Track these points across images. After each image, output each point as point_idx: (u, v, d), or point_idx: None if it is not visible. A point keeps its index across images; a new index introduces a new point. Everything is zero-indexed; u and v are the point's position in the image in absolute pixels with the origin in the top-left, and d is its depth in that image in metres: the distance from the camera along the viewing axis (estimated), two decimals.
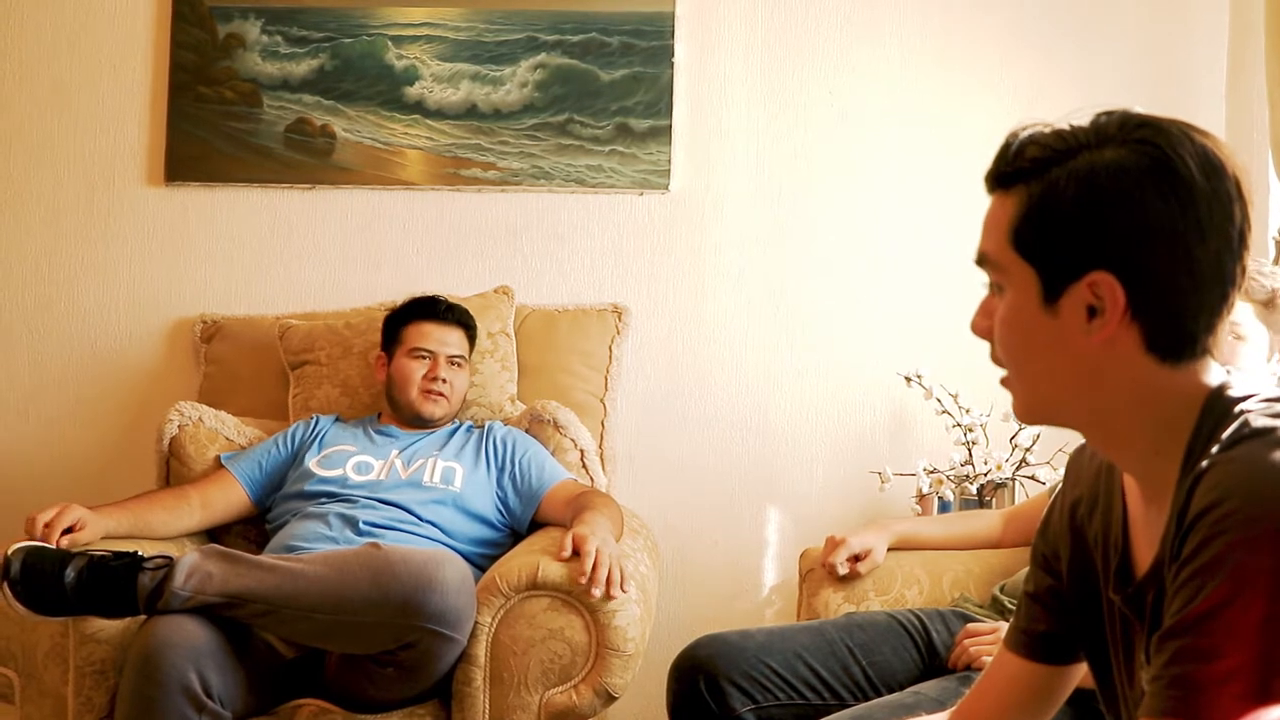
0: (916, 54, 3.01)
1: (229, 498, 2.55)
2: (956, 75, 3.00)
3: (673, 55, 3.01)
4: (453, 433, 2.65)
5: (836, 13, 3.02)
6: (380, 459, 2.56)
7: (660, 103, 3.01)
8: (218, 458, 2.63)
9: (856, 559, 2.30)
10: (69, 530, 2.20)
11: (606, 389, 2.81)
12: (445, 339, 2.65)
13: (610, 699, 2.13)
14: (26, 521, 2.21)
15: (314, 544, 2.34)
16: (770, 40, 3.03)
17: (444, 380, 2.61)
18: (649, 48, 3.01)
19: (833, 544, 2.32)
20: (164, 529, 2.42)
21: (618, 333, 2.83)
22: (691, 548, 2.98)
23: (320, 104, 3.06)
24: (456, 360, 2.65)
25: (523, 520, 2.53)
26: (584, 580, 2.09)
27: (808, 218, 3.02)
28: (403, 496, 2.47)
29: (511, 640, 2.11)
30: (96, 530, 2.25)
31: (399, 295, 2.83)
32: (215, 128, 3.06)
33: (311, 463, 2.56)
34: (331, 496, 2.48)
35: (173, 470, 2.66)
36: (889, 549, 2.34)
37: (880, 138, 3.01)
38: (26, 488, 2.94)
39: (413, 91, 3.05)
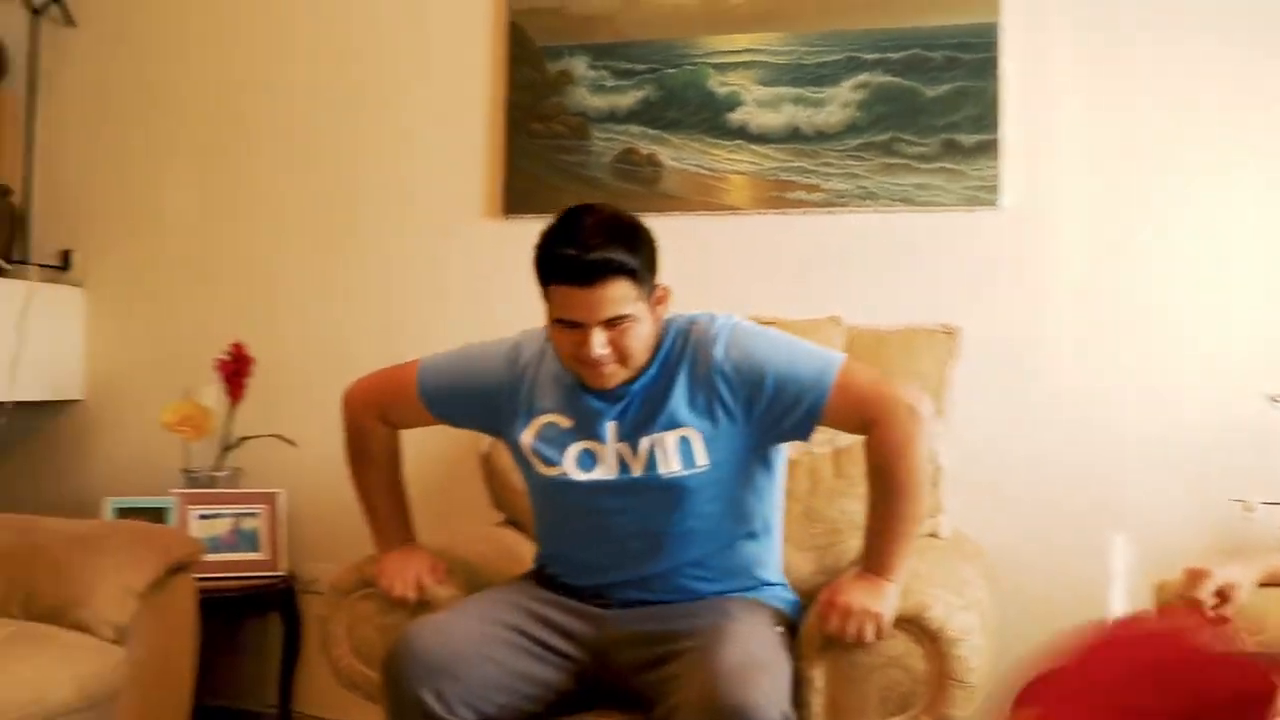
0: (1266, 41, 2.80)
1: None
2: None
3: (997, 67, 2.92)
4: (661, 368, 2.14)
5: (1169, 7, 2.85)
6: (600, 441, 2.15)
7: (987, 116, 2.92)
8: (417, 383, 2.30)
9: (1220, 595, 2.12)
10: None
11: (940, 411, 2.74)
12: (595, 304, 2.03)
13: None
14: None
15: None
16: (1101, 42, 2.89)
17: (601, 354, 2.05)
18: (973, 61, 2.93)
19: (1194, 576, 2.15)
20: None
21: (950, 354, 2.75)
22: (1031, 576, 2.84)
23: (646, 134, 3.13)
24: (619, 320, 2.05)
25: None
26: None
27: (1154, 227, 2.85)
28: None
29: (850, 665, 2.07)
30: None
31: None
32: (548, 161, 3.18)
33: (525, 441, 2.20)
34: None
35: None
36: (1259, 585, 2.15)
37: (1237, 134, 2.81)
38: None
39: (735, 117, 3.08)
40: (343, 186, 3.37)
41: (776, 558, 2.31)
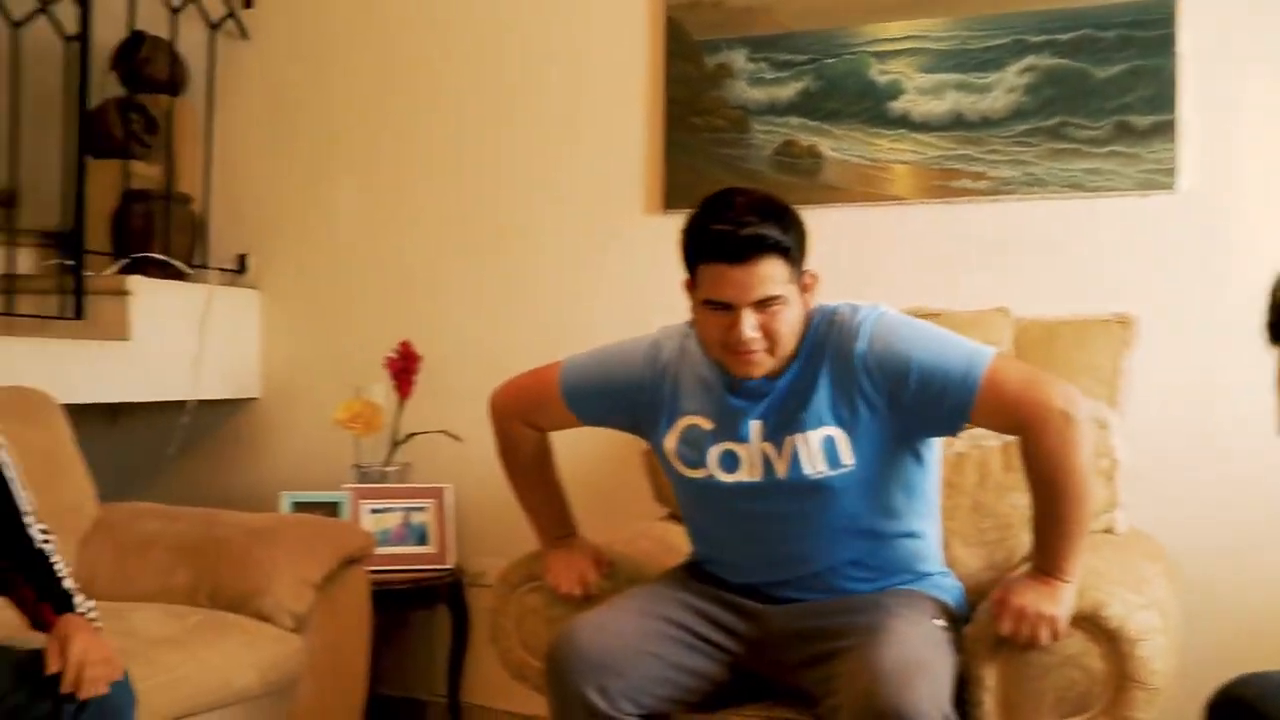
0: None
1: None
2: None
3: (1174, 43, 2.80)
4: (804, 364, 2.07)
5: None
6: (743, 441, 2.09)
7: (1163, 96, 2.80)
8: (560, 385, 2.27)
9: None
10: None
11: (1115, 403, 2.64)
12: (746, 283, 1.96)
13: None
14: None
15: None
16: None
17: (751, 338, 1.99)
18: (1148, 38, 2.82)
19: None
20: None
21: (1125, 344, 2.65)
22: (1217, 574, 2.72)
23: (806, 125, 3.10)
24: (770, 301, 1.99)
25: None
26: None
27: None
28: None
29: (1024, 664, 2.01)
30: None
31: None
32: (707, 155, 3.18)
33: (668, 445, 2.17)
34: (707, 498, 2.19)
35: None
36: None
37: None
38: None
39: (897, 106, 3.03)
40: (504, 185, 3.43)
41: (935, 548, 2.25)
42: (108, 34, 3.48)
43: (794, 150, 3.11)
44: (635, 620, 2.11)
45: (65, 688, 1.91)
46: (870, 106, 3.05)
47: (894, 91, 3.03)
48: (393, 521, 3.25)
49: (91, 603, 2.07)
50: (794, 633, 2.12)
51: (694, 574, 2.27)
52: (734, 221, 1.97)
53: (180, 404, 3.47)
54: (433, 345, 3.36)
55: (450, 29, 3.49)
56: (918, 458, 2.14)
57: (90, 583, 2.74)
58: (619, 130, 3.29)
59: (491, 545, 3.29)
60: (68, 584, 2.05)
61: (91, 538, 2.83)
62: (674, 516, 2.83)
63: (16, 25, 3.18)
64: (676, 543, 2.63)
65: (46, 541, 2.07)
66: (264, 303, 3.68)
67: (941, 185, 2.99)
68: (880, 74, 3.04)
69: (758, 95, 3.15)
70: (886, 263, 3.01)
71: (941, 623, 2.08)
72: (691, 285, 2.08)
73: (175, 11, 3.53)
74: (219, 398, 3.58)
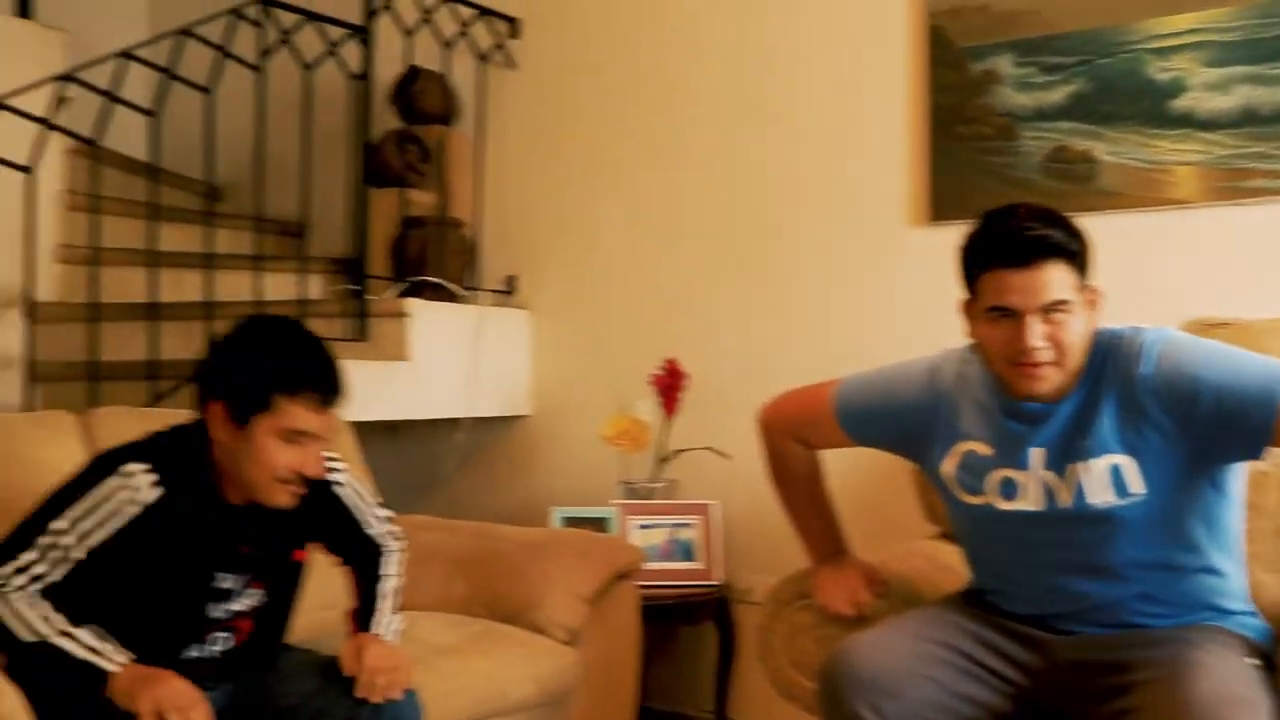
0: None
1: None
2: None
3: None
4: (1088, 389, 1.98)
5: None
6: (1023, 468, 2.02)
7: None
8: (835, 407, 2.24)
9: None
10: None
11: None
12: (1031, 287, 1.90)
13: None
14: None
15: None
16: None
17: (1037, 347, 1.91)
18: None
19: None
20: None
21: None
22: None
23: (1078, 129, 2.98)
24: (1057, 308, 1.92)
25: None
26: None
27: None
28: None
29: None
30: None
31: (1172, 322, 2.64)
32: (974, 164, 3.09)
33: (945, 470, 2.12)
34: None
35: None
36: None
37: None
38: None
39: (1179, 104, 2.87)
40: (767, 200, 3.43)
41: (1240, 584, 2.10)
42: (386, 71, 3.66)
43: (1066, 156, 2.99)
44: (913, 643, 2.06)
45: (359, 691, 2.02)
46: (1149, 106, 2.91)
47: (1175, 89, 2.87)
48: (660, 537, 3.29)
49: (397, 623, 2.20)
50: (1084, 663, 2.02)
51: (973, 601, 2.20)
52: (1018, 226, 1.93)
53: (454, 421, 3.60)
54: (699, 362, 3.39)
55: (711, 47, 3.52)
56: (1217, 487, 2.00)
57: None
58: (882, 142, 3.24)
59: (758, 562, 3.28)
60: (382, 607, 2.20)
61: None
62: (946, 535, 2.76)
63: (307, 68, 3.39)
64: (950, 561, 2.56)
65: (389, 571, 2.25)
66: (533, 322, 3.79)
67: (1231, 186, 2.82)
68: (1160, 71, 2.89)
69: (1025, 100, 3.04)
70: (1169, 271, 2.86)
71: (1255, 661, 1.94)
72: (969, 304, 2.03)
73: (447, 46, 3.69)
74: (492, 415, 3.71)
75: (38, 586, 1.91)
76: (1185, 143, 2.86)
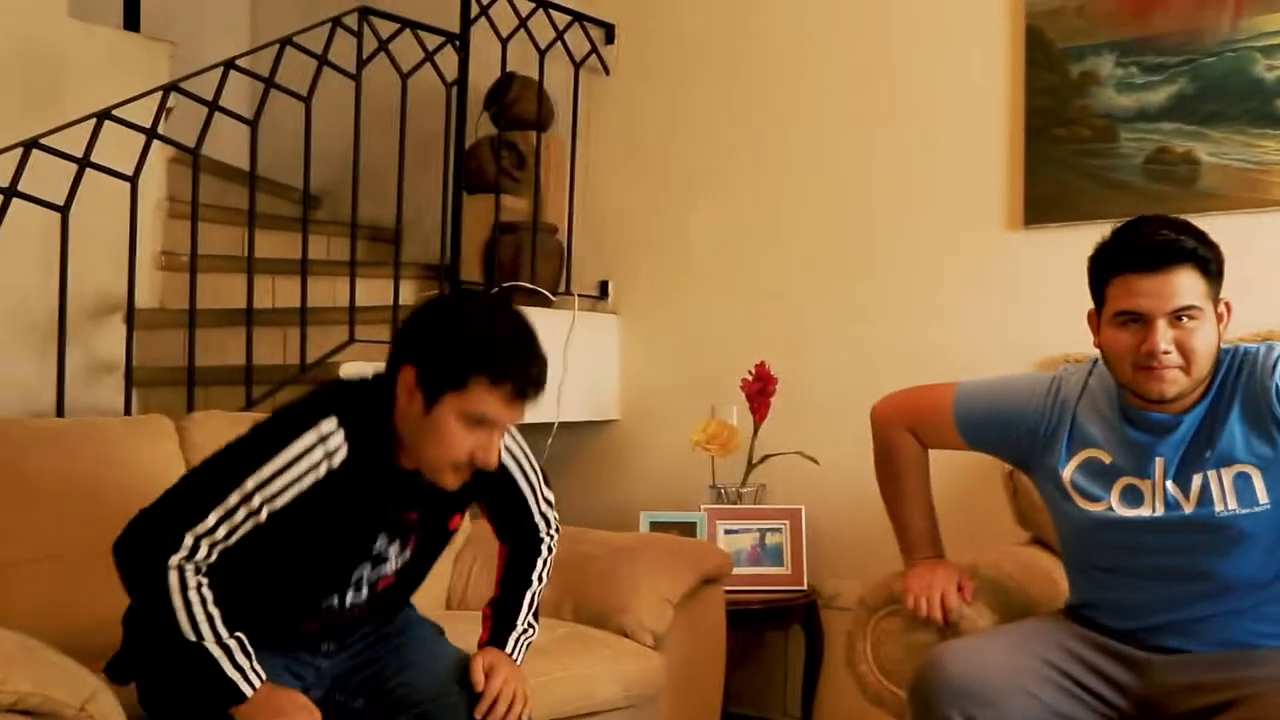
0: None
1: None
2: None
3: None
4: (1214, 401, 1.98)
5: None
6: (1145, 477, 2.01)
7: None
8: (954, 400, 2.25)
9: None
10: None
11: None
12: (1162, 291, 1.91)
13: None
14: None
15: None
16: None
17: (1165, 351, 1.90)
18: None
19: None
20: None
21: None
22: None
23: (1181, 130, 2.92)
24: (1187, 313, 1.92)
25: None
26: None
27: None
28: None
29: None
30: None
31: (1274, 324, 2.57)
32: (1072, 167, 3.04)
33: (1065, 475, 2.09)
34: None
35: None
36: None
37: None
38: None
39: None
40: (861, 204, 3.40)
41: None
42: (482, 77, 3.70)
43: (1167, 158, 2.93)
44: (1011, 655, 2.02)
45: (480, 712, 2.00)
46: (1256, 106, 2.83)
47: None
48: (747, 542, 3.27)
49: (532, 635, 2.16)
50: (1188, 685, 1.97)
51: (1073, 617, 2.16)
52: (1150, 231, 1.95)
53: (545, 425, 3.63)
54: (789, 367, 3.37)
55: (805, 49, 3.51)
56: None
57: (463, 592, 2.93)
58: (979, 144, 3.20)
59: (846, 568, 3.26)
60: (523, 616, 2.14)
61: (464, 550, 3.00)
62: (1037, 541, 2.72)
63: (404, 75, 3.44)
64: (1044, 567, 2.53)
65: (537, 574, 2.18)
66: (623, 327, 3.80)
67: None
68: (1268, 70, 2.82)
69: (1126, 102, 2.98)
70: (1273, 273, 2.78)
71: None
72: (1095, 316, 2.04)
73: (543, 52, 3.72)
74: (581, 419, 3.72)
75: (212, 558, 1.82)
76: None
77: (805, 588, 3.26)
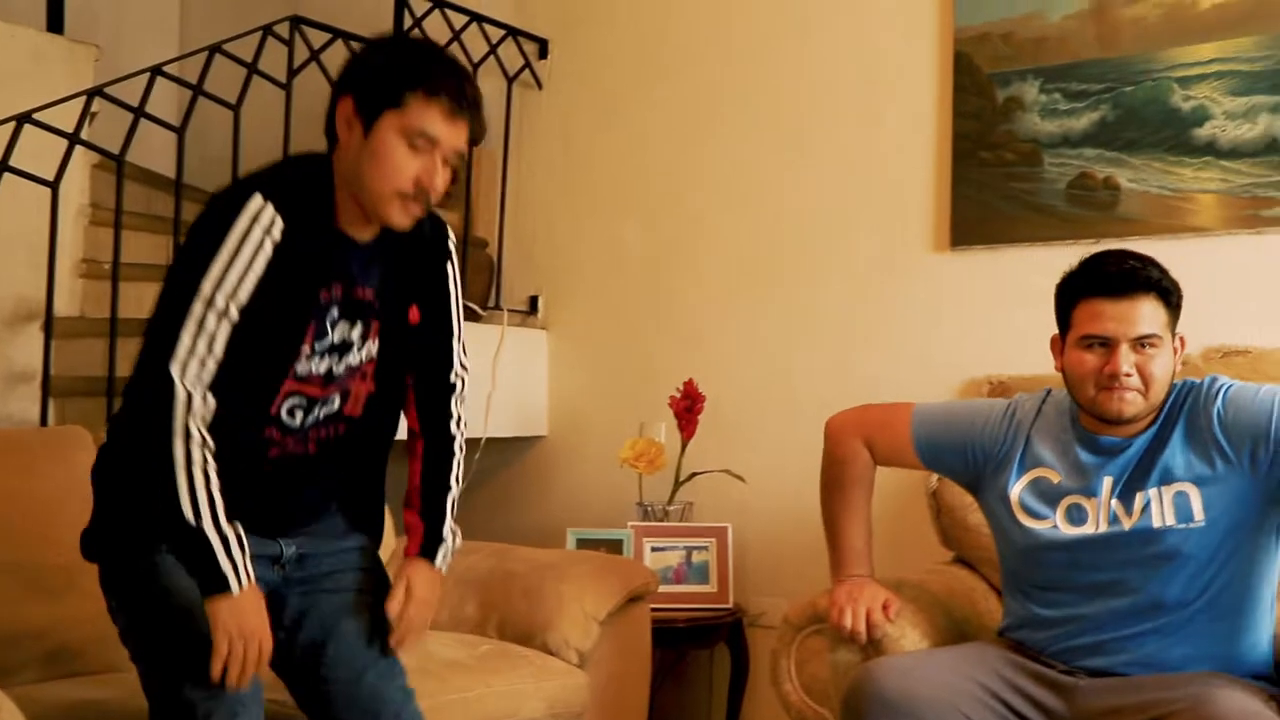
0: None
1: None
2: None
3: None
4: (1161, 426, 2.10)
5: None
6: (1091, 495, 2.11)
7: None
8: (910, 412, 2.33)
9: None
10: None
11: None
12: (1127, 317, 2.03)
13: None
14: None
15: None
16: None
17: (1127, 374, 2.03)
18: None
19: None
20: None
21: None
22: None
23: (1102, 156, 2.97)
24: (1148, 340, 2.04)
25: None
26: None
27: None
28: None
29: None
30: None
31: (1191, 348, 2.62)
32: (997, 190, 3.08)
33: (1013, 494, 2.17)
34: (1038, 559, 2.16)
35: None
36: None
37: None
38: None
39: (1202, 133, 2.86)
40: (789, 223, 3.42)
41: (1268, 636, 2.11)
42: None
43: (1089, 183, 2.98)
44: (945, 675, 2.04)
45: (394, 641, 1.96)
46: (1172, 134, 2.90)
47: (1199, 118, 2.86)
48: (674, 560, 3.27)
49: (454, 539, 2.07)
50: (1108, 710, 2.01)
51: (1006, 641, 2.20)
52: (1116, 260, 2.07)
53: (472, 440, 3.60)
54: (716, 384, 3.38)
55: (736, 68, 3.53)
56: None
57: None
58: (906, 166, 3.24)
59: (772, 586, 3.27)
60: (446, 530, 2.05)
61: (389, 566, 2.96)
62: (960, 560, 2.75)
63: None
64: (966, 586, 2.56)
65: (455, 477, 2.08)
66: (552, 342, 3.79)
67: (1253, 215, 2.80)
68: (1184, 100, 2.88)
69: (1050, 127, 3.04)
70: (1190, 297, 2.82)
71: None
72: (1059, 341, 2.14)
73: (476, 66, 3.70)
74: (508, 435, 3.71)
75: (208, 376, 1.77)
76: (1207, 171, 2.85)
77: (731, 606, 3.26)
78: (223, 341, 1.78)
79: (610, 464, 3.41)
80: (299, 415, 1.90)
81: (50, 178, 2.98)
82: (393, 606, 1.98)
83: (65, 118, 3.02)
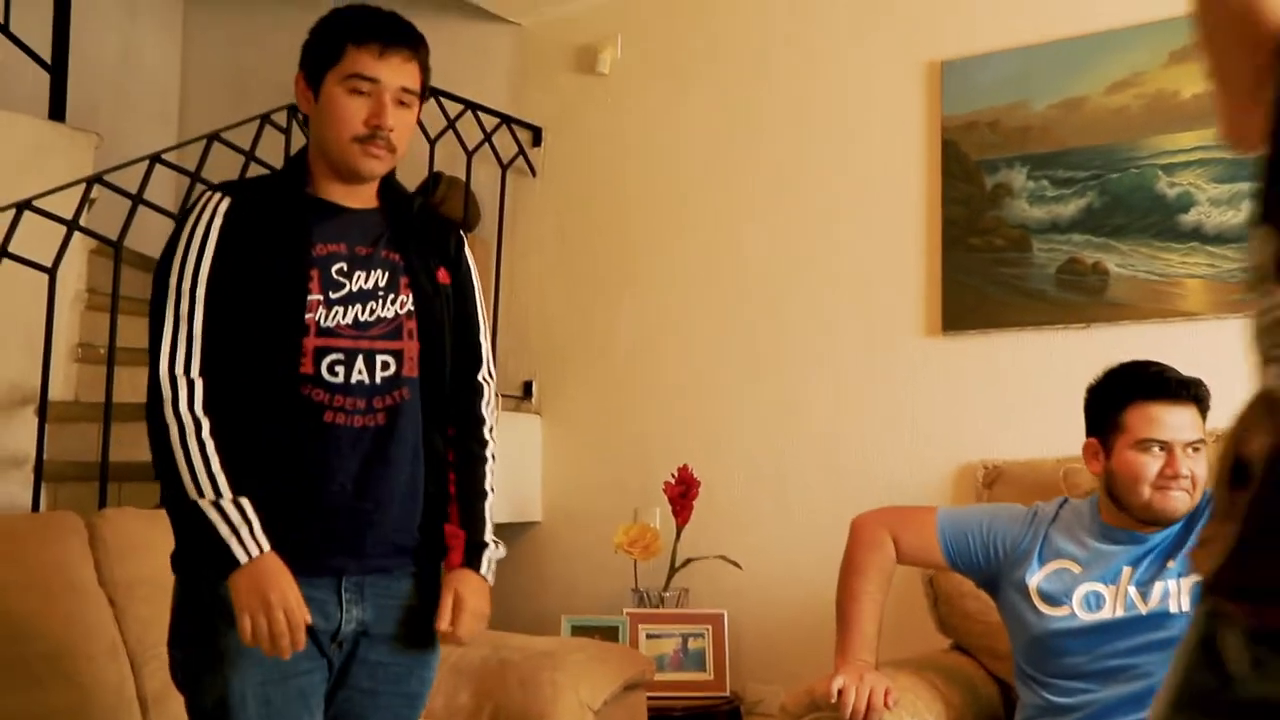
0: None
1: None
2: None
3: None
4: (1184, 526, 2.20)
5: None
6: (1110, 583, 2.19)
7: None
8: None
9: None
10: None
11: None
12: (1182, 423, 2.17)
13: None
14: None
15: None
16: None
17: (1185, 476, 2.15)
18: None
19: None
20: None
21: None
22: None
23: (1090, 242, 3.01)
24: (1195, 445, 2.18)
25: None
26: None
27: None
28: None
29: None
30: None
31: None
32: (987, 275, 3.12)
33: (1032, 583, 2.24)
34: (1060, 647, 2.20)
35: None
36: None
37: None
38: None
39: (1188, 219, 2.91)
40: (782, 309, 3.45)
41: None
42: (410, 177, 3.71)
43: (1078, 268, 3.02)
44: None
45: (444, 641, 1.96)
46: (1159, 221, 2.94)
47: (1185, 204, 2.91)
48: (670, 647, 3.25)
49: (495, 548, 2.07)
50: None
51: None
52: (1166, 369, 2.20)
53: None
54: (711, 470, 3.38)
55: (730, 157, 3.58)
56: None
57: None
58: (897, 252, 3.27)
59: (768, 672, 3.24)
60: (487, 536, 2.05)
61: None
62: (958, 648, 2.73)
63: None
64: (964, 674, 2.54)
65: (492, 481, 2.09)
66: (546, 428, 3.80)
67: (1238, 299, 2.83)
68: (1169, 187, 2.93)
69: (1038, 214, 3.08)
70: None
71: None
72: (1097, 445, 2.22)
73: (470, 153, 3.76)
74: (503, 521, 3.68)
75: (198, 355, 1.82)
76: (1194, 256, 2.89)
77: (728, 693, 3.23)
78: (200, 318, 1.85)
79: (605, 550, 3.40)
80: (341, 371, 1.88)
81: (48, 263, 3.00)
82: (442, 623, 1.94)
83: (65, 204, 3.05)
